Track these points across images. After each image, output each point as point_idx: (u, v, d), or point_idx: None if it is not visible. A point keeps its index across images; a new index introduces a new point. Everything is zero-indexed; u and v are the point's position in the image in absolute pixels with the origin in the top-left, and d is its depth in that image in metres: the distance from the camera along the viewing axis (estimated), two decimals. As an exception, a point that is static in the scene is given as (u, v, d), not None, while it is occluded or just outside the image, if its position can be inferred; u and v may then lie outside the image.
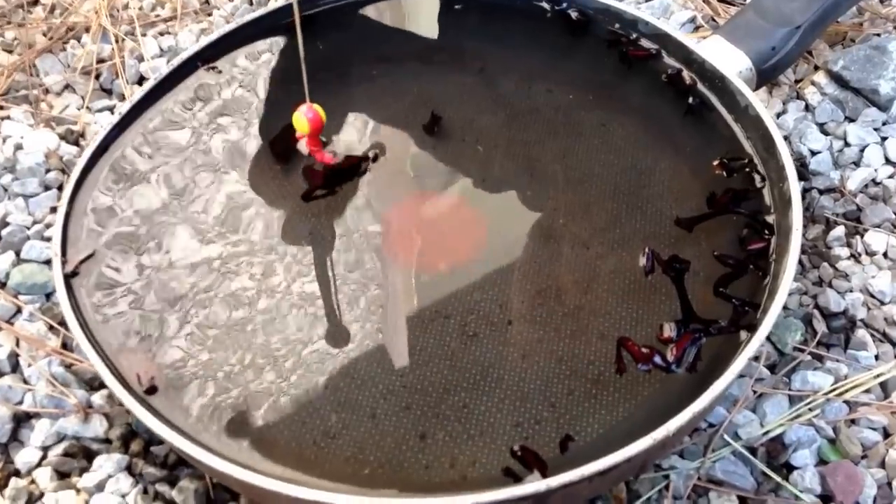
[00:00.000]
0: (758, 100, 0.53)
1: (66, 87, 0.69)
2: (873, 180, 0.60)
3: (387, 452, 0.43)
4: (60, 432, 0.49)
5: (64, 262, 0.47)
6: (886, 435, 0.47)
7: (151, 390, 0.43)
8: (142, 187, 0.52)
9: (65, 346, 0.53)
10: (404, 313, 0.48)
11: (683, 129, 0.56)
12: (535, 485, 0.38)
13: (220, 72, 0.58)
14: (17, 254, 0.56)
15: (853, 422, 0.48)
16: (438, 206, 0.54)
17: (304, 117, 0.51)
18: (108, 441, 0.49)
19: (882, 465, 0.46)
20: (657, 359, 0.44)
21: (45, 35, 0.72)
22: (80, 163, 0.51)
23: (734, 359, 0.41)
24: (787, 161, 0.49)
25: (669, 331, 0.45)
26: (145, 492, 0.47)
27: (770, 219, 0.49)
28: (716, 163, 0.52)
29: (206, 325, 0.46)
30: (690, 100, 0.56)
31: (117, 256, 0.49)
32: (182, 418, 0.42)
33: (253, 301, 0.47)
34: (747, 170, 0.52)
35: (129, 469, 0.47)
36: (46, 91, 0.69)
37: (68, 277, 0.47)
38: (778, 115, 0.63)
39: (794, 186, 0.48)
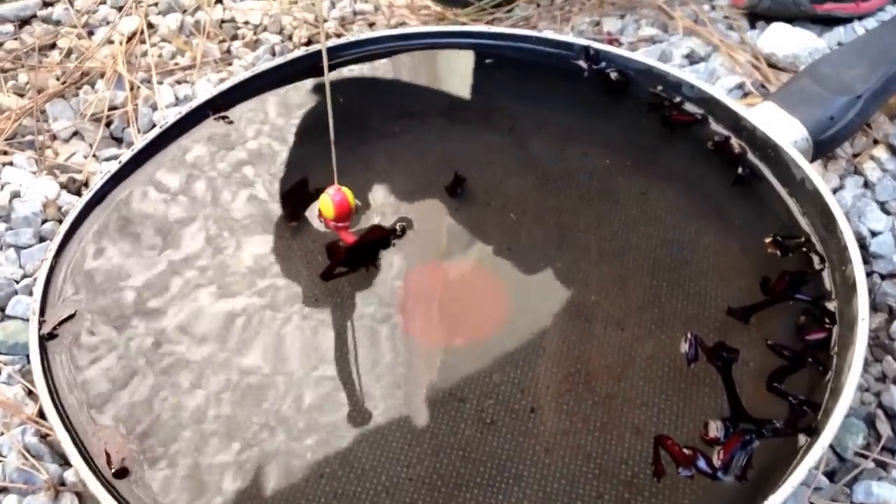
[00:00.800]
0: (815, 172, 0.48)
1: (75, 133, 0.66)
2: (941, 265, 0.55)
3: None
4: (27, 511, 0.44)
5: (42, 322, 0.42)
6: (965, 562, 0.41)
7: (121, 473, 0.38)
8: (138, 244, 0.48)
9: (42, 414, 0.48)
10: (414, 394, 0.43)
11: (731, 201, 0.51)
12: None
13: (230, 122, 0.54)
14: (2, 309, 0.52)
15: (927, 545, 0.41)
16: (457, 275, 0.49)
17: (331, 201, 0.47)
18: (77, 525, 0.44)
19: None
20: (701, 462, 0.38)
21: (58, 80, 0.69)
22: (72, 214, 0.47)
23: (792, 468, 0.36)
24: (850, 241, 0.44)
25: (716, 430, 0.40)
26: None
27: (831, 306, 0.44)
28: (768, 240, 0.47)
29: (193, 406, 0.42)
30: (740, 170, 0.51)
31: (101, 320, 0.44)
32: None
33: (243, 382, 0.43)
34: (804, 249, 0.47)
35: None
36: (54, 137, 0.66)
37: (44, 339, 0.42)
38: (834, 192, 0.58)
39: (860, 270, 0.43)
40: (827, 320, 0.43)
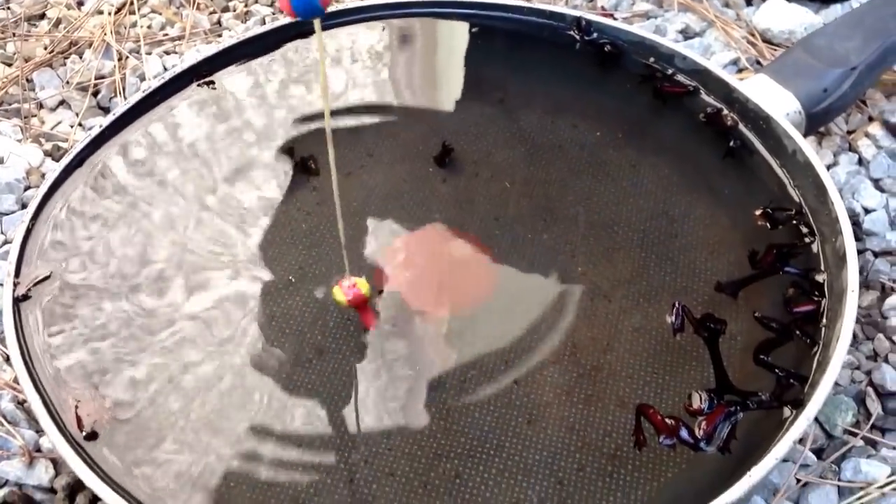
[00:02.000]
0: (807, 144, 0.47)
1: (62, 102, 0.65)
2: (935, 243, 0.54)
3: (366, 525, 0.37)
4: (1, 476, 0.43)
5: (16, 284, 0.42)
6: (953, 539, 0.40)
7: (92, 436, 0.37)
8: (116, 208, 0.47)
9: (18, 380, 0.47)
10: (395, 364, 0.42)
11: (722, 173, 0.50)
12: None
13: (214, 87, 0.53)
14: (-18, 275, 0.51)
15: (914, 521, 0.41)
16: (443, 245, 0.48)
17: (343, 295, 0.42)
18: (52, 491, 0.43)
19: (948, 575, 0.39)
20: (683, 433, 0.37)
21: (45, 49, 0.68)
22: (51, 177, 0.46)
23: (776, 441, 0.35)
24: (841, 213, 0.43)
25: (700, 402, 0.39)
26: (86, 552, 0.41)
27: (820, 278, 0.43)
28: (758, 212, 0.46)
29: (169, 370, 0.41)
30: (731, 142, 0.50)
31: (77, 283, 0.43)
32: (123, 470, 0.37)
33: (219, 347, 0.42)
34: (794, 222, 0.46)
35: (72, 525, 0.42)
36: (40, 106, 0.65)
37: (18, 301, 0.41)
38: (828, 168, 0.57)
39: (850, 242, 0.42)
40: (816, 293, 0.42)
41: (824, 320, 0.41)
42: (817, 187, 0.45)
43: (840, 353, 0.37)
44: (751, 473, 0.33)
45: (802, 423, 0.35)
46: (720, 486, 0.34)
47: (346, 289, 0.42)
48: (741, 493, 0.33)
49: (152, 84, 0.52)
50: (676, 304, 0.42)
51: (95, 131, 0.49)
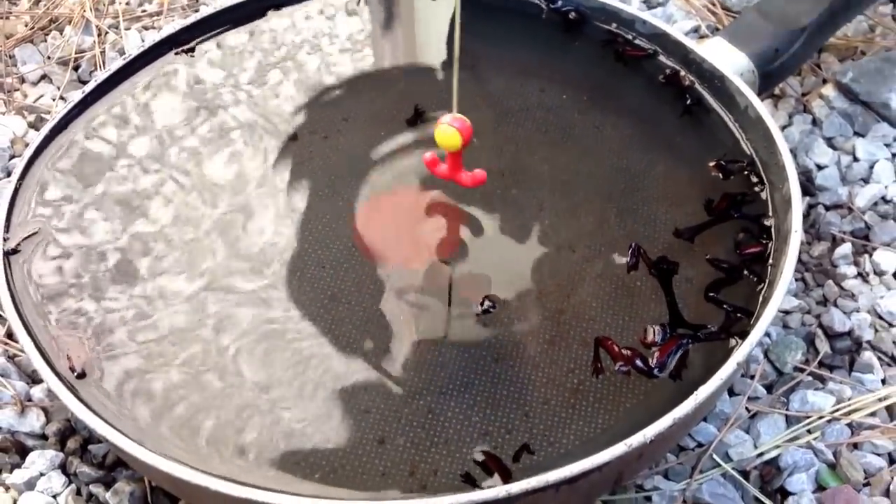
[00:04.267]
0: (758, 99, 0.49)
1: (43, 77, 0.67)
2: (883, 198, 0.57)
3: (340, 457, 0.39)
4: (-6, 425, 0.45)
5: (6, 240, 0.44)
6: (892, 461, 0.43)
7: (81, 375, 0.39)
8: (98, 169, 0.49)
9: (9, 334, 0.49)
10: (370, 311, 0.44)
11: (681, 131, 0.52)
12: (494, 491, 0.34)
13: (193, 55, 0.55)
14: (-29, 239, 0.53)
15: (856, 446, 0.43)
16: (413, 201, 0.50)
17: (452, 128, 0.40)
18: (44, 437, 0.45)
19: (887, 493, 0.42)
20: (638, 361, 0.40)
21: (26, 26, 0.70)
22: (37, 139, 0.48)
23: (723, 363, 0.37)
24: (788, 162, 0.46)
25: (653, 335, 0.42)
26: (78, 493, 0.43)
27: (768, 223, 0.46)
28: (712, 163, 0.49)
29: (153, 316, 0.43)
30: (688, 101, 0.52)
31: (65, 236, 0.45)
32: (111, 406, 0.39)
33: (205, 297, 0.44)
34: (746, 173, 0.48)
35: (64, 468, 0.44)
36: (22, 80, 0.66)
37: (8, 254, 0.43)
38: (783, 128, 0.60)
39: (795, 188, 0.44)
40: (764, 236, 0.45)
41: (771, 261, 0.44)
42: (767, 139, 0.48)
43: (783, 286, 0.40)
44: (697, 393, 0.36)
45: (746, 348, 0.38)
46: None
47: (452, 121, 0.41)
48: (688, 411, 0.36)
49: (133, 52, 0.53)
50: (632, 244, 0.45)
51: (79, 96, 0.51)
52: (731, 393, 0.46)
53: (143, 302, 0.43)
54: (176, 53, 0.55)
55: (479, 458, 0.38)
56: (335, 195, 0.49)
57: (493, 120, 0.54)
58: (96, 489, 0.42)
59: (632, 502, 0.41)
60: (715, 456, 0.43)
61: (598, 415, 0.40)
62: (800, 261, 0.53)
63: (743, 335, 0.40)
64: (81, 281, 0.44)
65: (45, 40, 0.69)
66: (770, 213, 0.46)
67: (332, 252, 0.47)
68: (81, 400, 0.37)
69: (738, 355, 0.37)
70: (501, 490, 0.33)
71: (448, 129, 0.42)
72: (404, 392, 0.41)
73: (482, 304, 0.44)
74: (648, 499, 0.41)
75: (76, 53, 0.67)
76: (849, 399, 0.45)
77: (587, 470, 0.34)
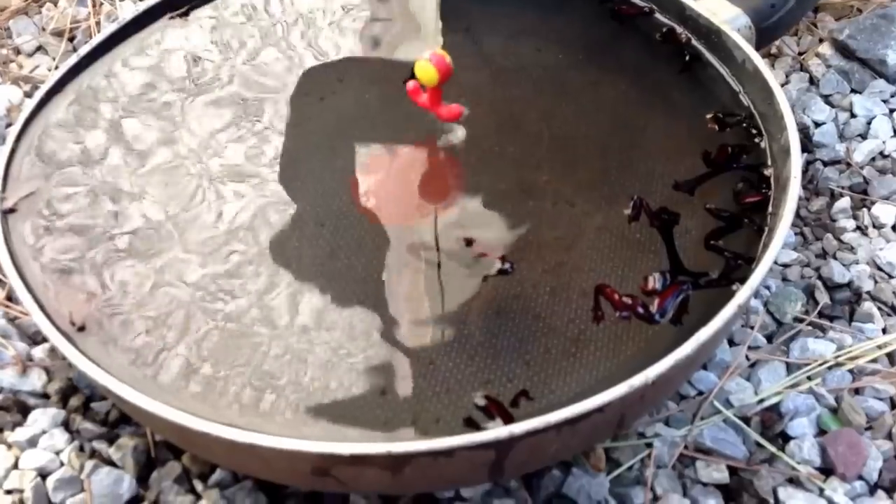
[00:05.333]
0: (755, 52, 0.49)
1: (39, 48, 0.66)
2: (881, 153, 0.57)
3: (344, 406, 0.39)
4: (-4, 385, 0.45)
5: (3, 199, 0.44)
6: (894, 405, 0.43)
7: (82, 329, 0.39)
8: (96, 131, 0.49)
9: (10, 298, 0.49)
10: (370, 261, 0.44)
11: (679, 87, 0.52)
12: (497, 432, 0.34)
13: (187, 18, 0.55)
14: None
15: (857, 391, 0.44)
16: (410, 158, 0.50)
17: (430, 65, 0.45)
18: (45, 396, 0.45)
19: (889, 436, 0.42)
20: (639, 308, 0.40)
21: (21, -2, 0.69)
22: (33, 100, 0.48)
23: (722, 308, 0.37)
24: (786, 112, 0.45)
25: (654, 282, 0.42)
26: (81, 449, 0.43)
27: (768, 172, 0.46)
28: (709, 117, 0.49)
29: (148, 269, 0.43)
30: (687, 57, 0.52)
31: (62, 195, 0.45)
32: (112, 358, 0.39)
33: (200, 247, 0.44)
34: (744, 125, 0.48)
35: (66, 425, 0.44)
36: (18, 52, 0.66)
37: (6, 213, 0.43)
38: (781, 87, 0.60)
39: (794, 136, 0.44)
40: (763, 186, 0.45)
41: (770, 209, 0.44)
42: (765, 91, 0.48)
43: (783, 230, 0.40)
44: (699, 334, 0.36)
45: (746, 292, 0.38)
46: (674, 355, 0.37)
47: (431, 57, 0.45)
48: (689, 352, 0.36)
49: (127, 16, 0.53)
50: (635, 197, 0.45)
51: (74, 59, 0.51)
52: (732, 343, 0.46)
53: (146, 257, 0.43)
54: (170, 18, 0.55)
55: (481, 402, 0.38)
56: (334, 155, 0.50)
57: (488, 79, 0.54)
58: (99, 445, 0.42)
59: (634, 450, 0.41)
60: (716, 402, 0.43)
61: (599, 363, 0.40)
62: (798, 216, 0.54)
63: (743, 280, 0.40)
64: (81, 237, 0.44)
65: (40, 12, 0.69)
66: (769, 163, 0.46)
67: (331, 209, 0.47)
68: (81, 351, 0.37)
69: (739, 298, 0.37)
70: (503, 431, 0.33)
71: (426, 65, 0.46)
72: (406, 344, 0.41)
73: (480, 258, 0.44)
74: (650, 445, 0.41)
75: (71, 24, 0.67)
76: (849, 347, 0.45)
77: (589, 410, 0.34)
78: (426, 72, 0.46)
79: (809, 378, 0.44)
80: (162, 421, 0.36)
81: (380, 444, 0.33)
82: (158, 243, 0.44)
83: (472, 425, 0.37)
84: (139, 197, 0.46)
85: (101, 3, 0.69)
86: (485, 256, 0.44)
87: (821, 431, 0.42)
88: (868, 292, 0.49)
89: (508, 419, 0.37)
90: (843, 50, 0.61)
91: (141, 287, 0.42)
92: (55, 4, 0.69)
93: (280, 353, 0.41)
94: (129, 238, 0.44)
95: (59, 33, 0.67)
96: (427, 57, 0.46)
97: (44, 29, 0.67)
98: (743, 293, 0.38)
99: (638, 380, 0.35)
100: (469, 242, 0.45)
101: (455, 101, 0.52)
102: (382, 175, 0.49)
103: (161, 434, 0.42)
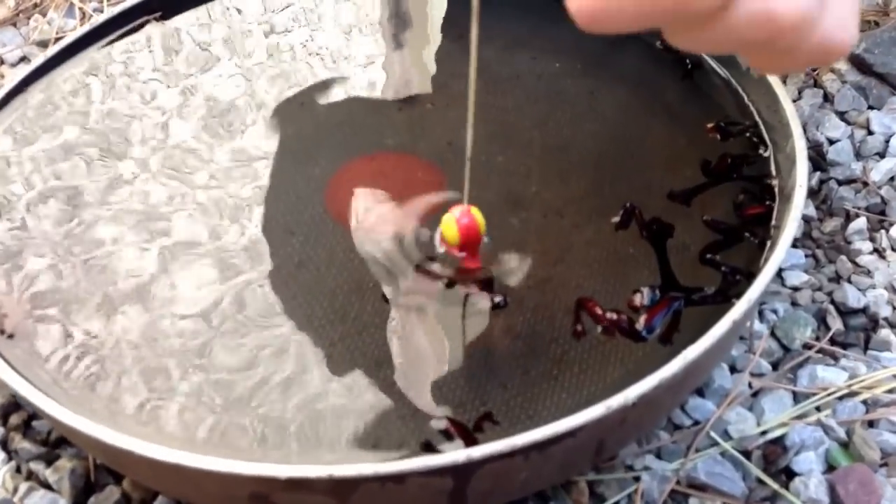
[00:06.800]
0: (762, 58, 0.46)
1: (23, 58, 0.65)
2: (901, 172, 0.53)
3: (304, 430, 0.35)
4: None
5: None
6: (912, 441, 0.39)
7: (11, 336, 0.37)
8: (52, 131, 0.47)
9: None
10: (338, 276, 0.41)
11: (679, 97, 0.49)
12: (453, 455, 0.30)
13: (163, 22, 0.53)
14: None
15: (871, 424, 0.39)
16: (396, 167, 0.47)
17: (457, 226, 0.39)
18: (-15, 413, 0.42)
19: (906, 474, 0.37)
20: (623, 324, 0.36)
21: (10, 9, 0.68)
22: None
23: (716, 323, 0.33)
24: (792, 119, 0.42)
25: (642, 298, 0.38)
26: (18, 470, 0.39)
27: (772, 183, 0.42)
28: (711, 126, 0.45)
29: (101, 276, 0.40)
30: (689, 64, 0.49)
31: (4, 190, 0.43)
32: (38, 369, 0.36)
33: (155, 244, 0.41)
34: (748, 134, 0.45)
35: (5, 444, 0.40)
36: (1, 62, 0.64)
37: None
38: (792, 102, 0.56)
39: (800, 144, 0.41)
40: (767, 197, 0.41)
41: (773, 221, 0.40)
42: (770, 97, 0.44)
43: (786, 241, 0.36)
44: (686, 352, 0.32)
45: (743, 305, 0.34)
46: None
47: (460, 216, 0.38)
48: (676, 371, 0.32)
49: (100, 18, 0.51)
50: (627, 204, 0.41)
51: (40, 61, 0.49)
52: (733, 370, 0.42)
53: (89, 261, 0.41)
54: (151, 21, 0.53)
55: (441, 426, 0.34)
56: (311, 162, 0.47)
57: (481, 87, 0.50)
58: (36, 466, 0.39)
59: (620, 484, 0.37)
60: (713, 433, 0.38)
61: (582, 386, 0.37)
62: (810, 237, 0.50)
63: (740, 296, 0.36)
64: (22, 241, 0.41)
65: (28, 23, 0.67)
66: (773, 173, 0.42)
67: (303, 217, 0.44)
68: (5, 360, 0.34)
69: (734, 313, 0.33)
70: (460, 454, 0.30)
71: (451, 223, 0.39)
72: (372, 361, 0.38)
73: (461, 274, 0.41)
74: (638, 478, 0.37)
75: (56, 35, 0.65)
76: (863, 375, 0.41)
77: (559, 433, 0.30)
78: (449, 228, 0.40)
79: (818, 409, 0.39)
80: (81, 435, 0.32)
81: (320, 467, 0.30)
82: (110, 249, 0.41)
83: (430, 449, 0.33)
84: (91, 196, 0.43)
85: (90, 16, 0.67)
86: (466, 271, 0.41)
87: (829, 467, 0.38)
88: (886, 318, 0.45)
89: (472, 443, 0.33)
90: (860, 64, 0.57)
91: (85, 294, 0.39)
92: (43, 15, 0.68)
93: (226, 372, 0.37)
94: (85, 239, 0.42)
95: (43, 43, 0.65)
96: (457, 216, 0.39)
97: (30, 39, 0.65)
98: (739, 308, 0.34)
99: (616, 401, 0.31)
100: (449, 256, 0.42)
101: (443, 108, 0.50)
102: (361, 184, 0.46)
103: (91, 453, 0.39)
